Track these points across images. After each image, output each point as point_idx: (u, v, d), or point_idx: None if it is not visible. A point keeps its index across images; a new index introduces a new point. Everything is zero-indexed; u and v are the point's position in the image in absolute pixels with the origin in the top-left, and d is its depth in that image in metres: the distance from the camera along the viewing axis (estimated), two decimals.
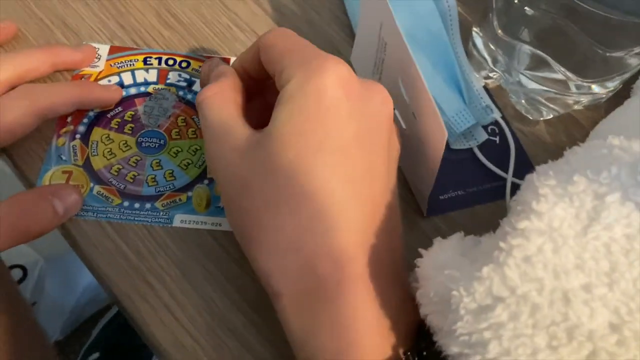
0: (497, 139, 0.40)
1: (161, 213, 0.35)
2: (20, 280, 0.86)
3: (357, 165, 0.28)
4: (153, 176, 0.36)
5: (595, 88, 0.39)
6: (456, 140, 0.39)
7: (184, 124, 0.38)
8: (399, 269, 0.29)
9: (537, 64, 0.38)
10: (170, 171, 0.36)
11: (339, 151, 0.27)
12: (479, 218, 0.37)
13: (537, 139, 0.41)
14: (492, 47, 0.40)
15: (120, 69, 0.39)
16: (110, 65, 0.39)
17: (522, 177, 0.37)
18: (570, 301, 0.21)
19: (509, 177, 0.37)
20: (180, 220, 0.34)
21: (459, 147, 0.39)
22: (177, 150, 0.37)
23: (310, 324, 0.26)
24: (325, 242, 0.26)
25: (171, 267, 0.33)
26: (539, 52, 0.37)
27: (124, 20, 0.41)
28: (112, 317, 0.99)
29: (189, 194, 0.35)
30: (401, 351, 0.27)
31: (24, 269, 0.87)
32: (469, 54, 0.42)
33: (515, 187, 0.37)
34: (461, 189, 0.38)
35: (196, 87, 0.39)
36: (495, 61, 0.40)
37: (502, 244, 0.22)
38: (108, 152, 0.36)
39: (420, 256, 0.27)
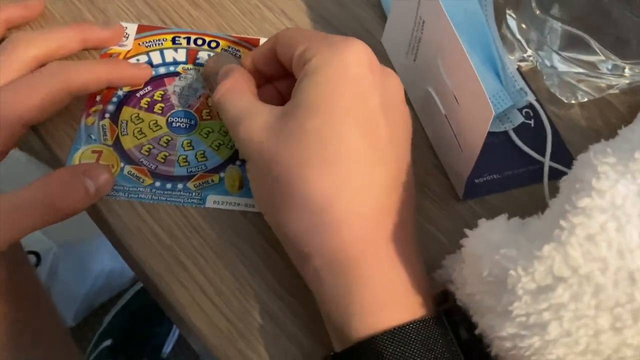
0: (531, 122, 0.39)
1: (194, 194, 0.34)
2: (34, 267, 0.86)
3: (381, 133, 0.29)
4: (184, 156, 0.35)
5: (628, 72, 0.38)
6: (491, 122, 0.38)
7: None
8: (415, 238, 0.30)
9: (571, 44, 0.38)
10: (202, 152, 0.35)
11: (365, 118, 0.29)
12: (515, 202, 0.36)
13: (572, 122, 0.40)
14: (525, 28, 0.39)
15: (149, 48, 0.38)
16: (139, 45, 0.38)
17: (558, 161, 0.37)
18: (635, 281, 0.20)
19: (547, 161, 0.37)
20: (213, 201, 0.34)
21: (494, 129, 0.38)
22: (208, 131, 0.36)
23: (346, 281, 0.27)
24: (357, 204, 0.27)
25: (205, 248, 0.33)
26: (576, 30, 0.37)
27: None
28: (124, 304, 0.99)
29: (222, 174, 0.35)
30: (431, 309, 0.27)
31: (37, 255, 0.87)
32: (502, 37, 0.41)
33: (553, 171, 0.37)
34: (497, 172, 0.37)
35: None
36: (528, 42, 0.39)
37: (563, 223, 0.21)
38: (138, 131, 0.36)
39: (463, 238, 0.27)
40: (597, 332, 0.21)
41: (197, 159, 0.35)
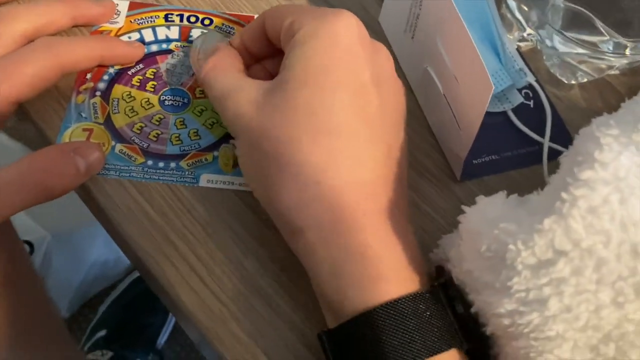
0: (531, 103, 0.38)
1: (187, 172, 0.33)
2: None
3: (373, 106, 0.28)
4: (177, 135, 0.34)
5: (629, 51, 0.38)
6: (490, 102, 0.37)
7: None
8: (407, 215, 0.29)
9: (574, 23, 0.37)
10: (195, 130, 0.35)
11: (357, 91, 0.28)
12: (514, 183, 0.36)
13: (571, 103, 0.39)
14: (525, 8, 0.39)
15: (141, 26, 0.37)
16: (130, 22, 0.37)
17: (557, 142, 0.37)
18: (639, 254, 0.20)
19: (546, 142, 0.36)
20: (207, 180, 0.33)
21: (493, 110, 0.37)
22: (201, 109, 0.35)
23: (341, 253, 0.26)
24: (349, 176, 0.27)
25: (197, 228, 0.32)
26: (578, 7, 0.36)
27: None
28: (119, 294, 0.99)
29: (215, 153, 0.34)
30: (425, 284, 0.27)
31: (31, 244, 0.86)
32: (501, 17, 0.40)
33: (552, 152, 0.36)
34: (495, 153, 0.36)
35: None
36: (528, 22, 0.39)
37: (564, 195, 0.21)
38: (130, 109, 0.35)
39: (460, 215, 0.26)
40: (598, 307, 0.20)
41: (190, 137, 0.34)
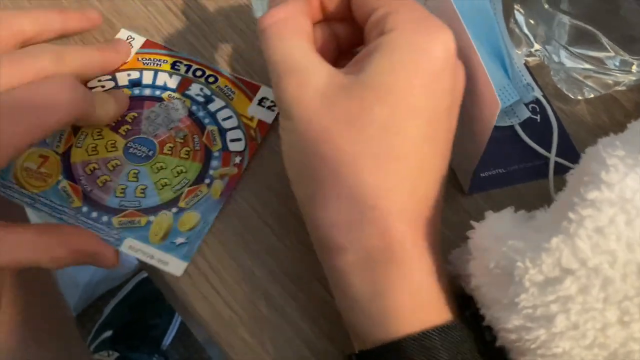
0: (537, 117, 0.39)
1: (113, 232, 0.32)
2: None
3: (442, 135, 0.27)
4: (124, 187, 0.33)
5: (635, 68, 0.38)
6: (498, 117, 0.38)
7: (182, 140, 0.35)
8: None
9: (580, 39, 0.37)
10: (144, 187, 0.33)
11: (434, 121, 0.26)
12: (520, 196, 0.36)
13: (577, 118, 0.40)
14: (533, 23, 0.39)
15: (146, 66, 0.37)
16: (138, 59, 0.37)
17: (563, 156, 0.37)
18: None
19: (552, 156, 0.37)
20: (129, 245, 0.32)
21: (500, 124, 0.38)
22: (160, 166, 0.34)
23: (382, 283, 0.25)
24: (404, 204, 0.25)
25: (209, 237, 0.33)
26: (585, 25, 0.36)
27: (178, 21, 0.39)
28: (125, 295, 0.99)
29: (151, 218, 0.32)
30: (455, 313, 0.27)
31: None
32: (509, 31, 0.41)
33: (558, 166, 0.37)
34: (502, 166, 0.37)
35: (212, 106, 0.36)
36: (536, 37, 0.39)
37: (571, 215, 0.21)
38: (92, 148, 0.34)
39: (469, 230, 0.27)
40: (604, 326, 0.21)
41: (135, 193, 0.33)
